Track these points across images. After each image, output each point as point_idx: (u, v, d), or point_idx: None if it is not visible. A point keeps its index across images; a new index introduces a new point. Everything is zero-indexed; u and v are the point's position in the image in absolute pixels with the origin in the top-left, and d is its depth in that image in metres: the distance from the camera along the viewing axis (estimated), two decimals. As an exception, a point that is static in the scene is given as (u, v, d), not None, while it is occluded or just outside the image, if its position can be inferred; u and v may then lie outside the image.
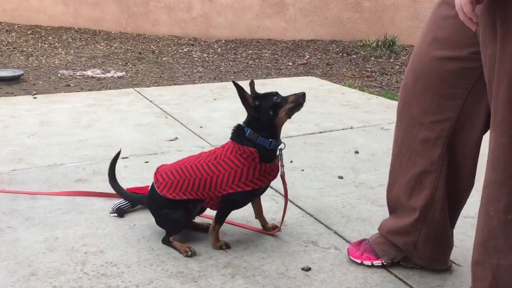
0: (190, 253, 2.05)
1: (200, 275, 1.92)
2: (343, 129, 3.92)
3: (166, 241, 2.12)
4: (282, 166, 2.12)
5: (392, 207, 1.95)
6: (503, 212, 1.37)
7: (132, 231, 2.25)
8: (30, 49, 8.43)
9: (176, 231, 2.13)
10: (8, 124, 3.87)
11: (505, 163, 1.36)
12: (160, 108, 4.47)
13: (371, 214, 2.46)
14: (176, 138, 3.61)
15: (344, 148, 3.46)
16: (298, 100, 2.00)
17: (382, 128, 3.95)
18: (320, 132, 3.83)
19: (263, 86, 5.54)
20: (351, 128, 3.96)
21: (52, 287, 1.83)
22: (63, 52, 8.32)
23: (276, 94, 2.05)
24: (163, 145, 3.46)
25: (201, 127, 3.92)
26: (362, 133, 3.82)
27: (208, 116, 4.24)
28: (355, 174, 2.98)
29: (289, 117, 2.04)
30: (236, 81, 2.01)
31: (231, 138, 2.07)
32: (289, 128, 3.85)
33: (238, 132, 2.06)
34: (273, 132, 2.03)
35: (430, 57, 1.67)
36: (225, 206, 2.08)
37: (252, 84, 2.15)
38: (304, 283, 1.89)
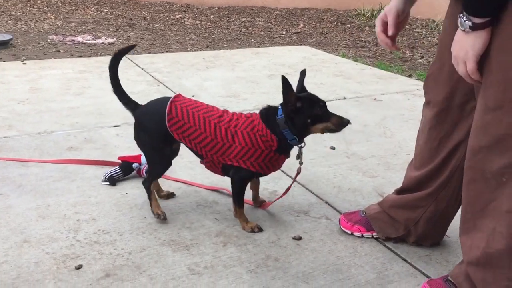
0: (162, 217, 2.04)
1: (192, 243, 1.94)
2: (336, 100, 3.91)
3: (146, 185, 2.08)
4: (301, 163, 2.05)
5: (409, 186, 1.90)
6: (499, 174, 1.38)
7: (124, 199, 2.25)
8: (19, 13, 8.25)
9: (160, 172, 2.10)
10: (-3, 90, 3.82)
11: (494, 127, 1.37)
12: (152, 76, 4.42)
13: (362, 184, 2.48)
14: (168, 107, 3.58)
15: (337, 118, 3.46)
16: (339, 126, 1.92)
17: (375, 99, 3.95)
18: (313, 103, 3.82)
19: (257, 55, 5.49)
20: (344, 98, 3.95)
21: (45, 254, 1.84)
22: (52, 17, 8.15)
23: (323, 106, 1.92)
24: (155, 114, 3.43)
25: (193, 96, 3.88)
26: (355, 104, 3.82)
27: (201, 84, 4.21)
28: (347, 145, 2.99)
29: (322, 133, 1.97)
30: (285, 77, 1.84)
31: (260, 115, 1.98)
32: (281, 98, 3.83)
33: (269, 112, 1.96)
34: (301, 134, 1.96)
35: None
36: (237, 182, 2.02)
37: (303, 75, 2.01)
38: (295, 251, 1.92)
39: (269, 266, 1.82)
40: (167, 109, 1.97)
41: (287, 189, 2.16)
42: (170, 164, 2.12)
